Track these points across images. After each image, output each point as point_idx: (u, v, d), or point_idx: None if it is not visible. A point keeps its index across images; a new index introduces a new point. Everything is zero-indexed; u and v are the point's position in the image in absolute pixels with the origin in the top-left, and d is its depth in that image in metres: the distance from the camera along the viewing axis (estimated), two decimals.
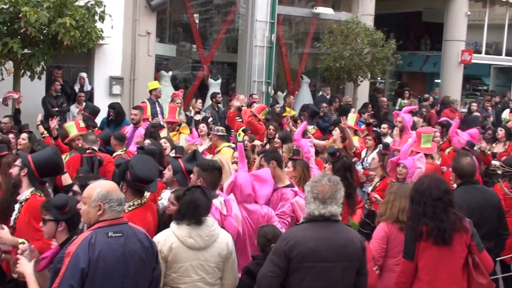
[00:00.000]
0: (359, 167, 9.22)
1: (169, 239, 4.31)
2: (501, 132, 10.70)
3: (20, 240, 4.83)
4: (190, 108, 13.18)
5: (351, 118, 10.22)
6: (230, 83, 18.03)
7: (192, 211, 4.38)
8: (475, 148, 9.03)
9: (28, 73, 10.82)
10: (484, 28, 21.78)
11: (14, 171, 5.36)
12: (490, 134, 10.88)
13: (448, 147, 9.92)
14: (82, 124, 8.88)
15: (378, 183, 7.71)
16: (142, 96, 12.97)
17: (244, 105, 11.45)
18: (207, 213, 4.49)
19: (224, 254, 4.43)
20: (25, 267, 4.02)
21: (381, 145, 8.44)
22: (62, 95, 12.44)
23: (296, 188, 6.19)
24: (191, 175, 5.53)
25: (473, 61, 20.22)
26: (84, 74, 13.51)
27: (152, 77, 14.14)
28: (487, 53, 22.38)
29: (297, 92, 17.59)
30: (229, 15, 17.55)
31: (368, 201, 7.74)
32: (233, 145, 9.07)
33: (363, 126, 11.34)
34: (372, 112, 14.10)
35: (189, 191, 4.56)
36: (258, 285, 4.12)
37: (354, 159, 9.26)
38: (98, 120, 10.47)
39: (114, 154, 7.94)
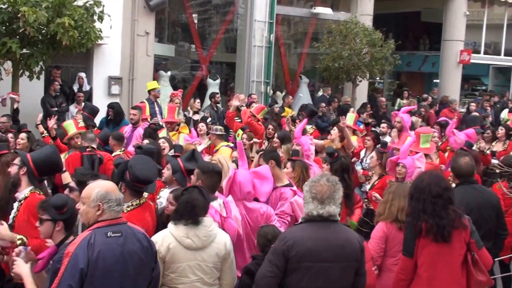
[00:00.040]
0: (358, 167, 9.22)
1: (166, 239, 4.30)
2: (501, 131, 10.70)
3: (19, 237, 4.84)
4: (189, 108, 13.18)
5: (350, 118, 10.24)
6: (229, 83, 18.03)
7: (189, 211, 4.37)
8: (474, 147, 9.03)
9: (27, 73, 10.81)
10: (482, 28, 21.82)
11: (13, 169, 5.36)
12: (489, 134, 10.88)
13: (447, 147, 9.93)
14: (82, 124, 8.88)
15: (377, 181, 7.73)
16: (141, 96, 12.97)
17: (243, 105, 11.46)
18: (205, 213, 4.47)
19: (222, 254, 4.42)
20: (22, 268, 4.02)
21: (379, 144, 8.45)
22: (61, 95, 12.44)
23: (294, 188, 6.19)
24: (191, 176, 5.54)
25: (471, 61, 20.24)
26: (83, 74, 13.52)
27: (151, 77, 14.14)
28: (485, 53, 22.41)
29: (301, 95, 17.55)
30: (227, 15, 17.56)
31: (366, 200, 7.75)
32: (232, 145, 9.08)
33: (361, 126, 11.35)
34: (371, 112, 14.12)
35: (186, 191, 4.56)
36: (256, 285, 4.12)
37: (353, 159, 9.26)
38: (97, 120, 10.46)
39: (113, 154, 7.94)
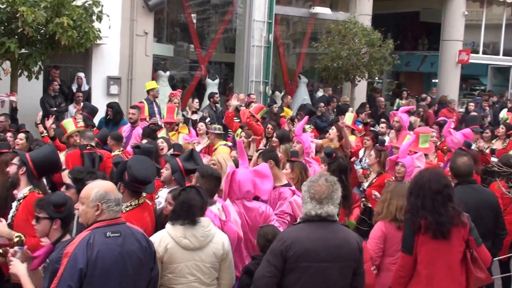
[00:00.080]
0: (357, 167, 9.23)
1: (164, 239, 4.30)
2: (502, 130, 10.71)
3: (16, 234, 4.84)
4: (187, 108, 13.17)
5: (349, 117, 10.26)
6: (228, 83, 18.04)
7: (186, 211, 4.36)
8: (473, 147, 9.04)
9: (26, 73, 10.81)
10: (481, 28, 21.83)
11: (12, 169, 5.35)
12: (488, 133, 10.88)
13: (444, 146, 9.93)
14: (82, 123, 8.88)
15: (375, 179, 7.73)
16: (140, 96, 12.97)
17: (242, 104, 11.46)
18: (202, 213, 4.46)
19: (220, 254, 4.41)
20: (19, 268, 4.02)
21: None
22: (59, 95, 12.44)
23: (293, 187, 6.20)
24: (190, 176, 5.51)
25: (470, 61, 20.24)
26: (81, 74, 13.51)
27: (149, 77, 14.14)
28: (484, 53, 22.41)
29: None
30: (226, 15, 17.56)
31: (363, 199, 7.75)
32: (230, 144, 9.09)
33: (361, 126, 11.36)
34: (369, 111, 14.12)
35: (184, 191, 4.55)
36: (254, 285, 4.13)
37: (352, 159, 9.26)
38: (96, 120, 10.46)
39: (112, 155, 7.94)
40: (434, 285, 4.50)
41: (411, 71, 24.84)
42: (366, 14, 17.72)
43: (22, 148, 7.50)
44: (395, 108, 16.50)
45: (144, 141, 7.98)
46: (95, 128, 9.68)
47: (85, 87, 13.43)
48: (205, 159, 7.27)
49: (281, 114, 12.89)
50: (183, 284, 4.29)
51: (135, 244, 3.79)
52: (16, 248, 4.32)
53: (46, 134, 8.72)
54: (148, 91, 12.03)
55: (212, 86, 15.94)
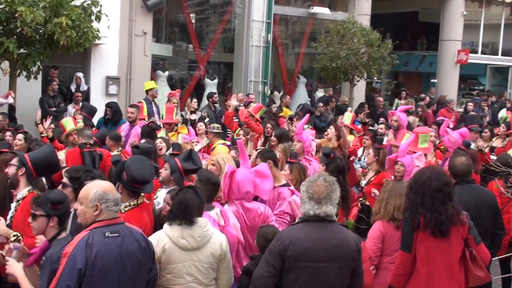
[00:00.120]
0: (357, 166, 9.24)
1: (161, 240, 4.29)
2: (503, 129, 10.71)
3: (14, 233, 4.83)
4: (186, 108, 13.17)
5: (348, 117, 10.27)
6: (227, 83, 18.03)
7: (183, 211, 4.34)
8: (472, 146, 9.05)
9: (24, 73, 10.82)
10: (480, 28, 21.84)
11: (11, 170, 5.34)
12: (487, 133, 10.88)
13: (441, 146, 9.94)
14: (81, 124, 8.89)
15: (373, 177, 7.73)
16: (139, 96, 12.96)
17: (241, 104, 11.46)
18: (199, 214, 4.45)
19: (218, 254, 4.40)
20: (15, 268, 4.02)
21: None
22: (58, 95, 12.44)
23: (292, 187, 6.20)
24: (191, 176, 5.50)
25: (469, 61, 20.25)
26: (80, 74, 13.51)
27: (148, 77, 14.14)
28: (483, 53, 22.42)
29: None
30: (225, 15, 17.56)
31: (360, 198, 7.75)
32: (228, 143, 9.09)
33: (359, 126, 11.36)
34: (368, 111, 14.12)
35: (181, 191, 4.55)
36: (253, 285, 4.12)
37: (352, 158, 9.27)
38: (95, 120, 10.47)
39: (111, 155, 7.94)
40: (433, 284, 4.51)
41: (410, 71, 24.84)
42: (365, 14, 17.73)
43: (21, 149, 7.49)
44: (394, 108, 16.50)
45: (143, 140, 7.98)
46: (94, 128, 9.69)
47: (84, 87, 13.43)
48: (204, 162, 7.27)
49: (280, 114, 12.89)
50: (181, 284, 4.29)
51: (134, 244, 3.80)
52: (11, 245, 4.31)
53: (45, 134, 8.72)
54: (147, 91, 12.02)
55: (211, 86, 15.95)
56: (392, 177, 7.28)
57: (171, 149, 7.53)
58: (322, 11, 17.39)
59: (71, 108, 12.31)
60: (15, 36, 10.17)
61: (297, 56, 19.09)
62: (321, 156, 7.68)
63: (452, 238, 4.48)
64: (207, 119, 11.22)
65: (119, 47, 13.78)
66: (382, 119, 12.06)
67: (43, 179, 6.04)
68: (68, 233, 4.34)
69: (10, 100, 10.55)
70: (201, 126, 9.70)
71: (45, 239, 4.21)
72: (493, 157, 9.26)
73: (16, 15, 9.70)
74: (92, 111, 10.15)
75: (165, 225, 4.41)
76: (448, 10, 20.15)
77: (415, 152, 7.71)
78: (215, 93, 14.20)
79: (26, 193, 5.19)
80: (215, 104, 13.70)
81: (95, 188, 3.81)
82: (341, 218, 6.57)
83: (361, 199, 7.72)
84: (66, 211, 4.32)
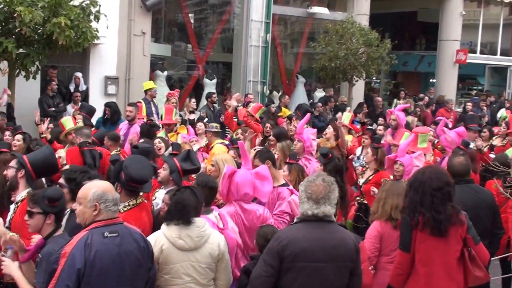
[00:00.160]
0: (356, 164, 9.26)
1: (159, 240, 4.28)
2: (503, 129, 10.71)
3: (11, 234, 4.81)
4: (184, 109, 13.17)
5: (346, 117, 10.28)
6: (226, 83, 18.02)
7: (179, 211, 4.34)
8: (471, 146, 9.05)
9: (23, 73, 10.82)
10: (479, 27, 21.83)
11: (10, 172, 5.31)
12: (486, 132, 10.88)
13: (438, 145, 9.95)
14: (81, 123, 8.89)
15: (371, 176, 7.73)
16: (137, 96, 12.96)
17: (239, 104, 11.46)
18: (197, 214, 4.44)
19: (216, 255, 4.40)
20: (12, 268, 4.02)
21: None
22: (57, 95, 12.44)
23: (291, 187, 6.20)
24: (190, 177, 5.49)
25: (468, 60, 20.27)
26: (79, 74, 13.51)
27: (147, 77, 14.13)
28: (482, 52, 22.44)
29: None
30: (224, 15, 17.55)
31: (357, 198, 7.75)
32: (227, 142, 9.10)
33: (358, 126, 11.38)
34: (367, 111, 14.13)
35: (178, 191, 4.54)
36: (251, 285, 4.12)
37: (351, 156, 9.27)
38: (93, 120, 10.45)
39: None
40: (432, 283, 4.51)
41: (408, 71, 24.84)
42: (364, 14, 17.73)
43: (19, 149, 7.48)
44: (392, 108, 16.50)
45: (141, 140, 7.99)
46: (93, 128, 9.69)
47: (82, 87, 13.42)
48: (203, 164, 7.26)
49: (279, 114, 12.90)
50: (179, 285, 4.28)
51: (132, 244, 3.80)
52: (6, 243, 4.28)
53: (45, 135, 8.72)
54: (145, 91, 12.03)
55: (210, 86, 15.94)
56: (391, 177, 7.29)
57: (170, 148, 7.54)
58: (321, 11, 17.39)
59: (70, 108, 12.30)
60: (13, 36, 10.16)
61: (296, 56, 19.09)
62: (319, 156, 7.68)
63: (450, 238, 4.48)
64: (206, 119, 11.23)
65: (117, 47, 13.77)
66: (381, 119, 12.05)
67: (43, 179, 6.02)
68: (62, 230, 4.32)
69: (5, 97, 10.53)
70: (200, 126, 9.71)
71: (40, 237, 4.20)
72: (493, 156, 9.27)
73: (15, 15, 9.70)
74: (91, 111, 10.15)
75: (163, 226, 4.40)
76: (447, 10, 20.15)
77: (414, 152, 7.71)
78: (214, 93, 14.20)
79: (25, 195, 5.14)
80: (214, 104, 13.70)
81: (94, 188, 3.81)
82: (339, 218, 6.57)
83: (358, 198, 7.73)
84: (63, 208, 4.31)
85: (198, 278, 4.33)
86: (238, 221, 5.33)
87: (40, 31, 10.33)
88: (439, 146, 9.74)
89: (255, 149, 7.84)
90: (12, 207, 5.21)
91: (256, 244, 4.95)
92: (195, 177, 5.82)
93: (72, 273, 3.55)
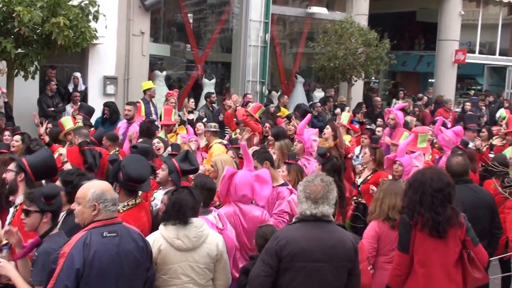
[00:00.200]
0: (356, 162, 9.27)
1: (157, 241, 4.28)
2: (504, 129, 10.71)
3: (10, 227, 4.81)
4: (183, 109, 13.17)
5: (345, 117, 10.29)
6: (224, 83, 18.02)
7: (177, 211, 4.34)
8: (470, 145, 9.06)
9: (22, 73, 10.80)
10: (478, 27, 21.83)
11: (9, 176, 5.28)
12: (485, 132, 10.89)
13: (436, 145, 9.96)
14: (81, 123, 8.89)
15: (370, 176, 7.73)
16: (136, 96, 12.94)
17: (238, 104, 11.47)
18: (194, 214, 4.44)
19: (214, 255, 4.39)
20: (9, 269, 4.02)
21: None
22: (56, 95, 12.43)
23: (290, 186, 6.20)
24: (189, 177, 5.49)
25: (467, 60, 20.27)
26: (78, 74, 13.50)
27: (146, 77, 14.12)
28: (480, 52, 22.43)
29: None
30: (223, 15, 17.54)
31: (354, 197, 7.75)
32: (225, 142, 9.11)
33: (358, 126, 11.38)
34: (365, 111, 14.13)
35: (176, 192, 4.55)
36: (250, 285, 4.12)
37: (350, 155, 9.28)
38: (92, 120, 10.45)
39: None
40: (432, 285, 4.50)
41: (407, 71, 24.86)
42: (363, 14, 17.73)
43: (18, 150, 7.48)
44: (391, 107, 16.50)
45: (140, 140, 7.99)
46: (92, 128, 9.68)
47: (81, 87, 13.41)
48: (202, 167, 7.25)
49: (278, 114, 12.90)
50: (177, 285, 4.28)
51: (131, 244, 3.80)
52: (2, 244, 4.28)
53: (43, 137, 8.72)
54: (144, 91, 12.03)
55: (209, 86, 15.94)
56: (390, 177, 7.29)
57: (169, 149, 7.53)
58: (319, 11, 17.39)
59: (69, 108, 12.29)
60: (12, 36, 10.15)
61: (295, 56, 19.08)
62: (316, 156, 7.68)
63: (449, 239, 4.47)
64: (205, 119, 11.22)
65: (116, 47, 13.77)
66: (379, 120, 12.05)
67: (43, 181, 6.00)
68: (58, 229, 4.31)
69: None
70: (200, 126, 9.71)
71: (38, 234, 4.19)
72: (492, 155, 9.29)
73: (14, 15, 9.69)
74: (90, 111, 10.15)
75: (161, 226, 4.40)
76: (445, 10, 20.16)
77: (413, 152, 7.71)
78: (212, 93, 14.19)
79: None
80: (213, 104, 13.70)
81: (93, 188, 3.81)
82: (337, 218, 6.57)
83: (355, 197, 7.73)
84: (59, 206, 4.30)
85: (196, 279, 4.33)
86: (236, 222, 5.33)
87: (39, 31, 10.32)
88: (437, 145, 9.75)
89: (252, 149, 7.83)
90: (11, 210, 5.18)
91: (256, 244, 4.96)
92: (193, 178, 5.82)
93: (71, 273, 3.55)
